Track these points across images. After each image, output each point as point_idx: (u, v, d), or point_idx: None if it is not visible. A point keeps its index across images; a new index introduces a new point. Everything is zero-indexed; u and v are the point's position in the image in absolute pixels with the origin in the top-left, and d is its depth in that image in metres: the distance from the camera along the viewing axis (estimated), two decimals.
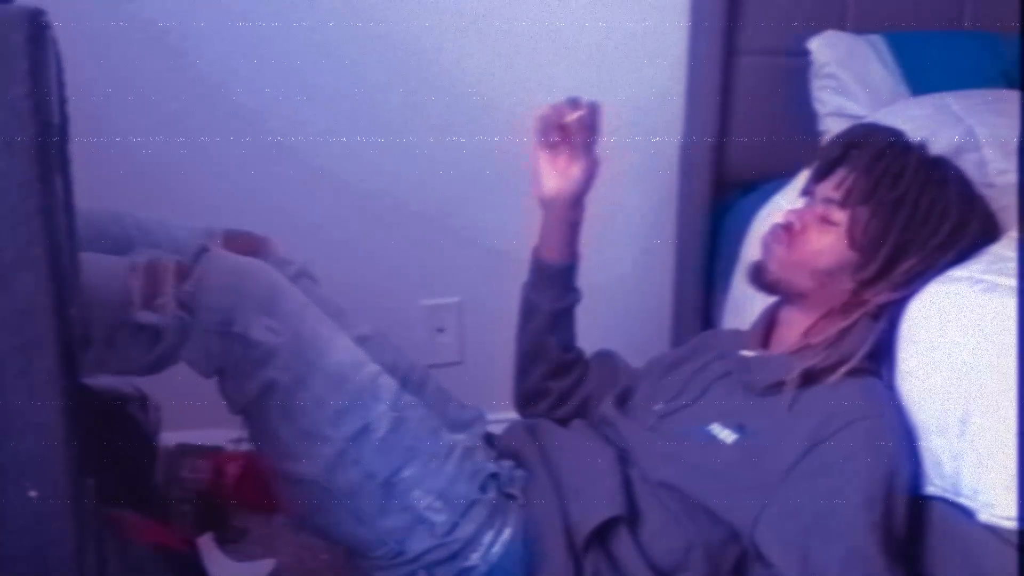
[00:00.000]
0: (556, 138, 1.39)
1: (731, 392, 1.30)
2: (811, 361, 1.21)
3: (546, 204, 1.43)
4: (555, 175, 1.41)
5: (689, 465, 1.22)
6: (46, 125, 0.77)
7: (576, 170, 1.41)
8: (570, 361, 1.51)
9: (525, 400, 1.53)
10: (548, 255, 1.45)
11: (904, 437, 1.13)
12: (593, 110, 1.39)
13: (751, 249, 1.56)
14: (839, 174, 1.28)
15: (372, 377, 1.23)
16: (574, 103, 1.38)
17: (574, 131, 1.38)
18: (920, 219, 1.21)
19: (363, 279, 1.84)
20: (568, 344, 1.51)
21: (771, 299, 1.38)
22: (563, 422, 1.44)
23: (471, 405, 1.49)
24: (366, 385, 1.22)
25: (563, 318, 1.48)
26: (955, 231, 1.21)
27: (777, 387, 1.22)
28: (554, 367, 1.50)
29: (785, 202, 1.55)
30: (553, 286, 1.46)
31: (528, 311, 1.49)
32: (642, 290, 2.11)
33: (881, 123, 1.39)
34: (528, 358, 1.51)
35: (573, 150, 1.40)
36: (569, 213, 1.43)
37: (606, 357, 1.55)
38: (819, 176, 1.32)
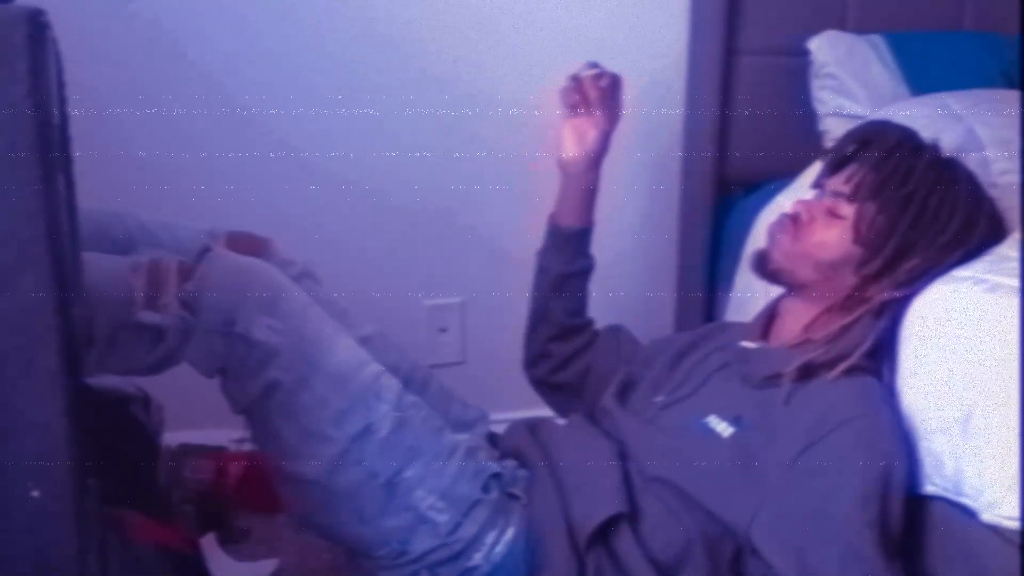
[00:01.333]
0: (574, 100, 1.46)
1: (729, 383, 1.30)
2: (810, 355, 1.22)
3: (564, 168, 1.49)
4: (573, 140, 1.47)
5: (685, 461, 1.22)
6: (46, 125, 0.77)
7: (591, 132, 1.46)
8: (575, 327, 1.54)
9: (530, 361, 1.58)
10: (562, 219, 1.50)
11: (900, 436, 1.13)
12: (613, 79, 1.45)
13: (754, 248, 1.56)
14: (850, 169, 1.28)
15: (375, 377, 1.23)
16: (593, 65, 1.45)
17: (588, 88, 1.44)
18: (928, 218, 1.22)
19: (366, 279, 1.84)
20: (574, 310, 1.54)
21: (774, 295, 1.38)
22: (566, 414, 1.44)
23: (474, 405, 1.49)
24: (369, 385, 1.22)
25: (571, 283, 1.52)
26: (962, 232, 1.22)
27: (775, 379, 1.22)
28: (558, 331, 1.53)
29: (788, 202, 1.55)
30: (564, 249, 1.50)
31: (539, 274, 1.54)
32: (645, 289, 2.11)
33: (893, 122, 1.40)
34: (535, 320, 1.55)
35: (589, 111, 1.45)
36: (585, 177, 1.48)
37: (615, 331, 1.58)
38: (830, 170, 1.32)
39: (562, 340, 1.54)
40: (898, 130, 1.32)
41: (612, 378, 1.45)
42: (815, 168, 1.41)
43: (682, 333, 1.58)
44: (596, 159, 1.48)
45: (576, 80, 1.45)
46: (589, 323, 1.56)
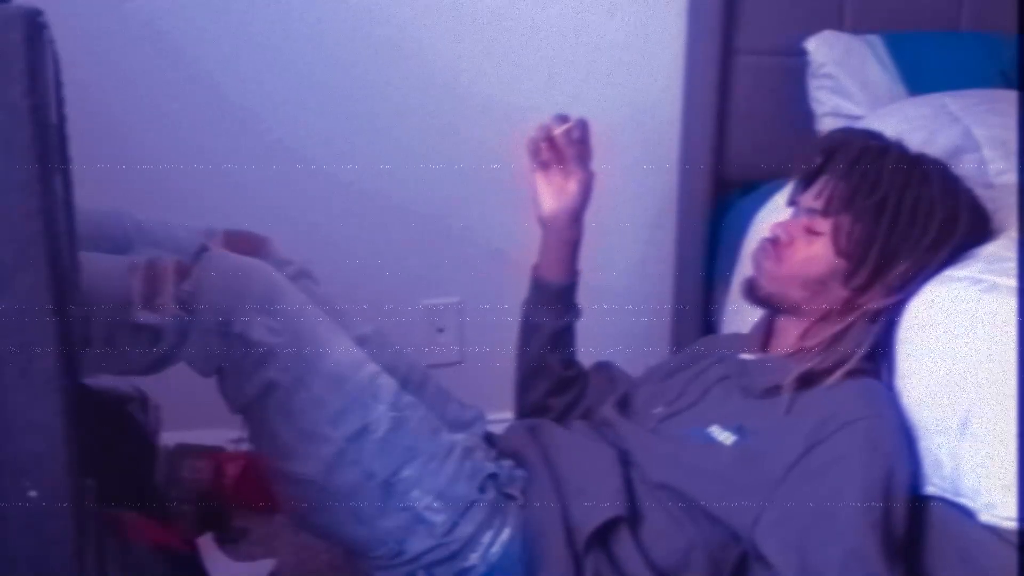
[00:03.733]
0: (547, 156, 1.40)
1: (730, 395, 1.30)
2: (808, 364, 1.21)
3: (545, 223, 1.44)
4: (552, 194, 1.42)
5: (688, 467, 1.22)
6: (44, 125, 0.77)
7: (572, 186, 1.41)
8: (571, 378, 1.51)
9: (526, 414, 1.53)
10: (548, 274, 1.46)
11: (903, 437, 1.13)
12: (582, 125, 1.39)
13: (751, 249, 1.56)
14: (820, 182, 1.28)
15: (372, 377, 1.23)
16: (562, 119, 1.39)
17: (563, 146, 1.39)
18: (905, 220, 1.21)
19: (363, 279, 1.84)
20: (569, 360, 1.51)
21: None
22: (564, 423, 1.44)
23: (471, 405, 1.49)
24: (365, 385, 1.22)
25: (564, 336, 1.49)
26: (944, 229, 1.21)
27: (775, 390, 1.22)
28: (555, 384, 1.50)
29: (785, 202, 1.55)
30: (554, 305, 1.47)
31: (528, 330, 1.50)
32: (642, 289, 2.11)
33: (858, 127, 1.39)
34: (529, 376, 1.51)
35: (566, 166, 1.40)
36: (568, 231, 1.44)
37: (604, 368, 1.55)
38: (802, 186, 1.32)
39: (559, 392, 1.50)
40: (861, 135, 1.32)
41: None
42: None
43: (676, 354, 1.56)
44: (579, 212, 1.43)
45: (549, 139, 1.39)
46: (582, 371, 1.53)
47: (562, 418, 1.50)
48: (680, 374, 1.41)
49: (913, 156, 1.27)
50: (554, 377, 1.49)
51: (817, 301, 1.27)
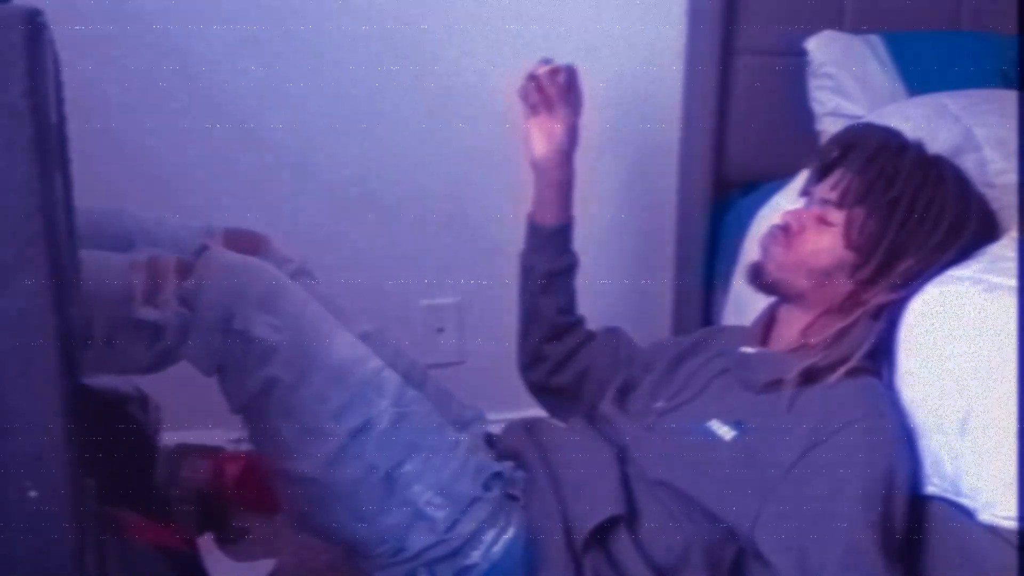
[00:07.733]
0: (535, 99, 1.48)
1: (730, 388, 1.30)
2: (810, 360, 1.21)
3: (536, 167, 1.50)
4: (541, 137, 1.49)
5: (687, 464, 1.22)
6: (44, 125, 0.77)
7: (558, 128, 1.48)
8: (567, 325, 1.53)
9: (526, 365, 1.58)
10: (541, 217, 1.51)
11: (903, 436, 1.13)
12: (569, 71, 1.49)
13: (751, 249, 1.56)
14: (836, 175, 1.28)
15: (375, 372, 1.23)
16: (546, 62, 1.48)
17: (547, 87, 1.47)
18: (917, 219, 1.22)
19: (363, 279, 1.84)
20: (564, 307, 1.54)
21: (772, 297, 1.38)
22: (564, 418, 1.44)
23: (471, 405, 1.49)
24: (369, 379, 1.22)
25: (558, 280, 1.52)
26: (953, 230, 1.22)
27: (776, 385, 1.22)
28: (550, 331, 1.53)
29: (785, 202, 1.55)
30: (547, 248, 1.51)
31: (524, 274, 1.54)
32: (642, 290, 2.11)
33: (878, 123, 1.39)
34: (526, 321, 1.56)
35: (551, 107, 1.48)
36: (557, 172, 1.50)
37: (613, 333, 1.57)
38: (817, 177, 1.32)
39: (555, 340, 1.53)
40: (881, 132, 1.32)
41: (610, 381, 1.44)
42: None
43: (680, 337, 1.57)
44: (567, 153, 1.50)
45: (533, 79, 1.48)
46: (580, 320, 1.56)
47: (558, 369, 1.53)
48: (683, 366, 1.41)
49: (931, 157, 1.28)
50: (548, 323, 1.53)
51: (821, 292, 1.27)
